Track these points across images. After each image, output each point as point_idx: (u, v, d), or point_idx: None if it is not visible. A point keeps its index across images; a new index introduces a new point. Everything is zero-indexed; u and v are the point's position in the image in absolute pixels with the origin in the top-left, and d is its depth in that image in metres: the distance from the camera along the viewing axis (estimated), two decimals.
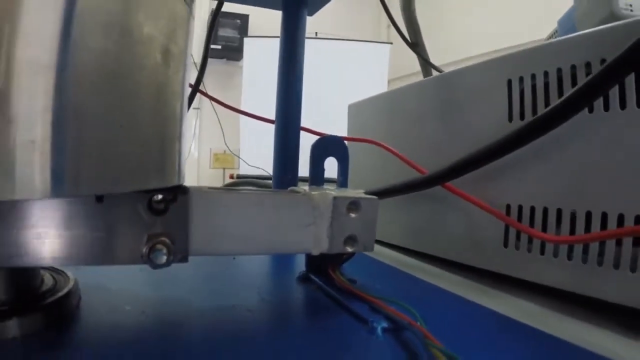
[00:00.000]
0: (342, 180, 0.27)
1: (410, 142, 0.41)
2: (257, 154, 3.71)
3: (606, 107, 0.26)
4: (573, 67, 0.28)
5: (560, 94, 0.28)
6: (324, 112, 3.79)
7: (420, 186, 0.35)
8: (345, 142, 0.35)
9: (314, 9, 0.46)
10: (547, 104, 0.29)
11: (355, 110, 0.54)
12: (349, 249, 0.23)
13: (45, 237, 0.17)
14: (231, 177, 3.74)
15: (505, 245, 0.32)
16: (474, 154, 0.30)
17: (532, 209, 0.30)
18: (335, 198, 0.23)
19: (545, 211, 0.29)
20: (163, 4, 0.17)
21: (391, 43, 4.34)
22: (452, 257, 0.38)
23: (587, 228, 0.27)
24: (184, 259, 0.19)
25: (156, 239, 0.18)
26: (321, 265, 0.26)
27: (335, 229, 0.23)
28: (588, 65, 0.27)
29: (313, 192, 0.23)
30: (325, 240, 0.23)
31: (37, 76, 0.13)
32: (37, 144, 0.13)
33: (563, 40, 0.29)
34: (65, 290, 0.20)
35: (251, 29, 5.61)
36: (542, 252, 0.30)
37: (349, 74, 3.98)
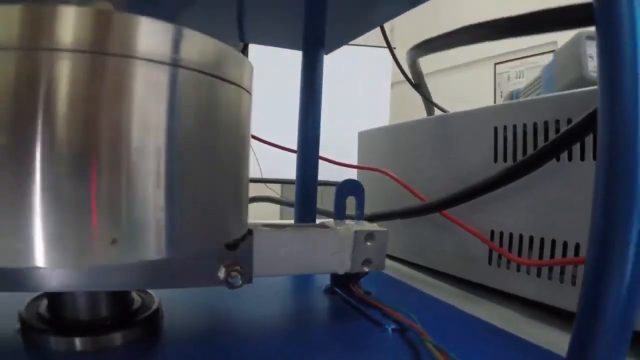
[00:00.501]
0: (359, 214, 0.34)
1: (413, 172, 0.48)
2: (260, 156, 3.79)
3: (570, 158, 0.33)
4: (545, 123, 0.35)
5: (535, 144, 0.35)
6: (329, 116, 3.84)
7: (421, 212, 0.42)
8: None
9: (331, 49, 0.52)
10: (524, 151, 0.36)
11: (365, 138, 0.61)
12: (366, 269, 0.31)
13: None
14: None
15: (489, 263, 0.39)
16: (465, 190, 0.37)
17: (511, 235, 0.37)
18: (356, 232, 0.30)
19: (520, 237, 0.36)
20: (237, 103, 0.24)
21: (394, 48, 4.40)
22: (446, 270, 0.45)
23: (552, 252, 0.34)
24: (249, 280, 0.26)
25: (231, 267, 0.25)
26: (343, 281, 0.33)
27: (355, 254, 0.30)
28: (557, 122, 0.34)
29: (339, 227, 0.30)
30: (348, 263, 0.30)
31: (151, 159, 0.19)
32: (154, 213, 0.19)
33: (538, 99, 0.36)
34: (154, 307, 0.27)
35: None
36: (518, 270, 0.37)
37: (353, 78, 4.05)
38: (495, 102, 4.80)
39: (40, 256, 0.16)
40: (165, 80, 0.18)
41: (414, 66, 0.65)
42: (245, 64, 0.24)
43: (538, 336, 0.28)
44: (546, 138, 0.34)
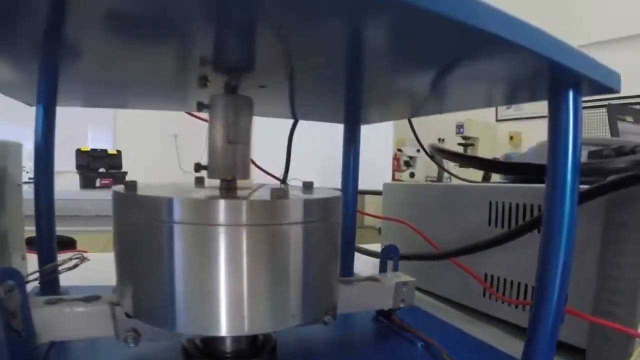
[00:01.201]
0: (396, 266, 0.50)
1: (428, 225, 0.64)
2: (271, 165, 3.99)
3: (539, 231, 0.49)
4: (524, 205, 0.51)
5: (517, 218, 0.52)
6: (337, 129, 4.00)
7: (436, 258, 0.58)
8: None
9: (368, 122, 0.68)
10: (510, 222, 0.52)
11: (389, 189, 0.77)
12: (401, 305, 0.47)
13: None
14: None
15: (484, 295, 0.56)
16: (468, 246, 0.54)
17: (499, 278, 0.54)
18: (396, 282, 0.46)
19: (505, 280, 0.53)
20: (336, 233, 0.40)
21: None
22: (452, 298, 0.62)
23: (525, 292, 0.50)
24: (335, 318, 0.42)
25: (328, 313, 0.41)
26: (385, 313, 0.49)
27: (395, 296, 0.46)
28: (532, 205, 0.50)
29: (385, 280, 0.46)
30: (390, 302, 0.46)
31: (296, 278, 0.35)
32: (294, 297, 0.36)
33: (518, 187, 0.53)
34: (274, 342, 0.42)
35: None
36: (503, 302, 0.53)
37: None
38: (496, 108, 4.96)
39: (245, 325, 0.32)
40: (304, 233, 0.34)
41: (433, 153, 0.80)
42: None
43: (517, 349, 0.44)
44: (525, 215, 0.51)
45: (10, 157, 0.59)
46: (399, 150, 5.48)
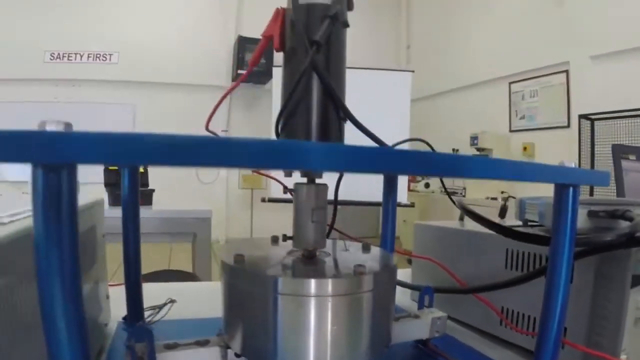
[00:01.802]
0: (431, 302, 0.63)
1: (453, 261, 0.77)
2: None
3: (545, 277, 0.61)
4: (534, 254, 0.64)
5: (528, 264, 0.64)
6: (354, 132, 4.13)
7: (461, 292, 0.71)
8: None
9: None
10: (522, 266, 0.65)
11: (420, 229, 0.90)
12: (436, 335, 0.60)
13: None
14: (263, 200, 4.09)
15: (500, 324, 0.68)
16: (488, 285, 0.66)
17: (513, 311, 0.66)
18: (432, 318, 0.59)
19: (517, 313, 0.65)
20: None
21: (413, 71, 4.70)
22: (475, 325, 0.74)
23: (534, 325, 0.63)
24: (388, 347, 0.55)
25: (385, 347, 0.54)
26: (422, 340, 0.62)
27: (431, 328, 0.59)
28: (540, 255, 0.63)
29: (423, 316, 0.59)
30: (427, 333, 0.59)
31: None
32: None
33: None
34: None
35: (277, 54, 5.93)
36: (516, 330, 0.66)
37: (379, 97, 4.36)
38: (510, 119, 5.06)
39: None
40: None
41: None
42: None
43: None
44: (535, 262, 0.63)
45: (97, 214, 0.70)
46: None
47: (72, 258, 0.26)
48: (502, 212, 1.03)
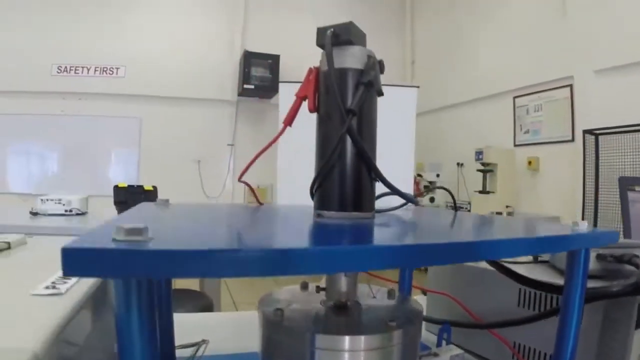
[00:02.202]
0: (449, 339, 0.67)
1: (468, 296, 0.81)
2: (293, 189, 4.14)
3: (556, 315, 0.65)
4: (545, 294, 0.67)
5: (540, 304, 0.68)
6: None
7: (477, 327, 0.75)
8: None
9: None
10: (534, 305, 0.69)
11: (434, 271, 0.94)
12: None
13: None
14: None
15: (512, 358, 0.72)
16: (502, 321, 0.70)
17: (525, 346, 0.70)
18: (451, 355, 0.63)
19: (530, 348, 0.69)
20: None
21: (418, 87, 4.78)
22: (488, 357, 0.78)
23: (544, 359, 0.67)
24: None
25: None
26: None
27: None
28: (551, 296, 0.67)
29: (442, 353, 0.63)
30: None
31: None
32: None
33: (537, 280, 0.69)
34: None
35: (282, 68, 6.06)
36: None
37: (381, 115, 4.39)
38: (514, 133, 5.10)
39: None
40: None
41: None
42: None
43: None
44: (546, 302, 0.67)
45: None
46: (419, 175, 5.65)
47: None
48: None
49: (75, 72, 5.94)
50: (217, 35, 6.38)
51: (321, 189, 0.55)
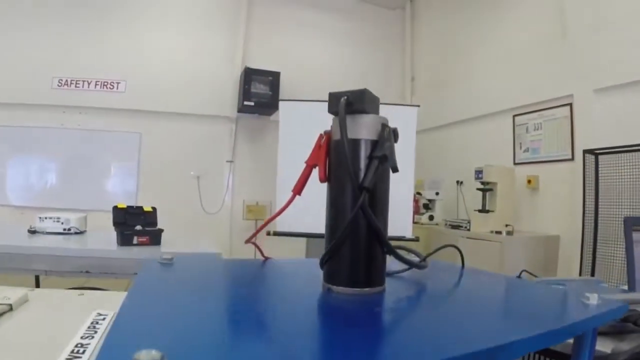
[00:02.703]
0: None
1: None
2: (292, 206, 4.11)
3: None
4: None
5: None
6: None
7: None
8: None
9: None
10: None
11: None
12: None
13: None
14: (268, 233, 4.05)
15: None
16: None
17: None
18: None
19: None
20: None
21: (418, 106, 4.78)
22: None
23: None
24: None
25: None
26: None
27: None
28: None
29: None
30: None
31: None
32: None
33: None
34: None
35: (282, 85, 6.07)
36: None
37: None
38: (514, 151, 5.10)
39: None
40: None
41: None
42: None
43: None
44: None
45: None
46: (418, 193, 5.64)
47: None
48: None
49: (75, 86, 5.95)
50: (218, 51, 6.40)
51: (332, 263, 0.53)
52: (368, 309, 0.50)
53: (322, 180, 0.57)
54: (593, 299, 0.48)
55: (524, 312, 0.57)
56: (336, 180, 0.56)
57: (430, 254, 0.91)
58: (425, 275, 0.80)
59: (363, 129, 0.55)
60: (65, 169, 5.98)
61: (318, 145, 0.58)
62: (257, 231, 0.66)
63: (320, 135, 0.58)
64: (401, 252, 0.91)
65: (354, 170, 0.52)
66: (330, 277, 0.55)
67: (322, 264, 0.56)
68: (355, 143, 0.54)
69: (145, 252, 2.68)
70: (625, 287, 1.41)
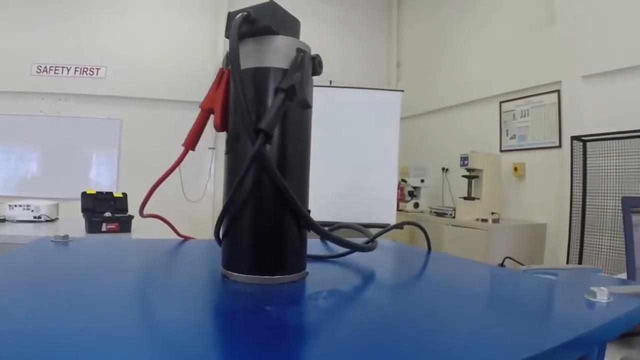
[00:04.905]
0: None
1: None
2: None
3: None
4: None
5: None
6: (349, 146, 4.10)
7: None
8: None
9: None
10: None
11: None
12: None
13: None
14: None
15: None
16: None
17: None
18: None
19: None
20: None
21: (402, 90, 4.67)
22: None
23: None
24: None
25: None
26: None
27: None
28: None
29: None
30: None
31: None
32: None
33: None
34: None
35: None
36: None
37: (365, 119, 4.33)
38: (500, 138, 5.01)
39: None
40: None
41: None
42: None
43: None
44: None
45: None
46: (403, 180, 5.54)
47: None
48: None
49: (55, 72, 5.81)
50: (199, 37, 6.26)
51: (228, 240, 0.41)
52: (260, 311, 0.35)
53: (217, 128, 0.45)
54: (602, 296, 0.35)
55: (503, 317, 0.40)
56: (233, 127, 0.43)
57: (381, 233, 0.79)
58: (372, 260, 0.66)
59: (270, 54, 0.42)
60: (44, 157, 5.86)
61: (216, 84, 0.46)
62: (146, 199, 0.55)
63: (221, 70, 0.46)
64: (347, 232, 0.80)
65: (248, 108, 0.39)
66: (228, 261, 0.43)
67: (218, 241, 0.44)
68: (259, 73, 0.42)
69: (114, 240, 2.57)
70: (620, 276, 1.30)
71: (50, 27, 5.71)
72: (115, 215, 2.78)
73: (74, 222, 3.05)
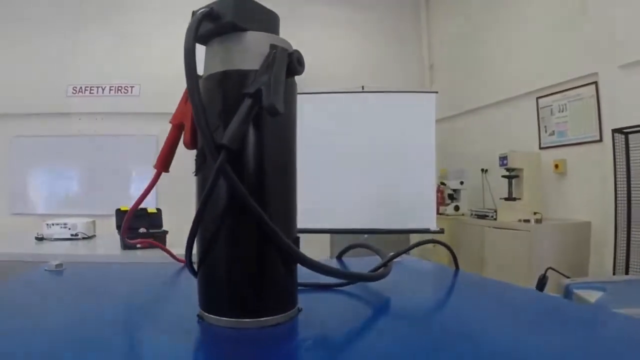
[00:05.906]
0: None
1: None
2: (313, 204, 4.05)
3: None
4: None
5: None
6: (380, 157, 4.06)
7: None
8: None
9: None
10: None
11: None
12: None
13: None
14: None
15: None
16: None
17: None
18: None
19: None
20: None
21: (436, 92, 4.62)
22: None
23: None
24: None
25: None
26: None
27: None
28: None
29: None
30: None
31: None
32: None
33: None
34: None
35: (298, 79, 5.86)
36: None
37: (400, 122, 4.29)
38: (539, 135, 4.90)
39: None
40: None
41: None
42: None
43: None
44: None
45: None
46: (443, 183, 5.47)
47: None
48: (540, 285, 0.93)
49: (90, 92, 5.97)
50: None
51: (202, 273, 0.38)
52: None
53: (187, 146, 0.42)
54: None
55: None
56: (200, 144, 0.40)
57: (394, 256, 0.68)
58: (385, 287, 0.57)
59: (238, 54, 0.38)
60: (84, 175, 6.10)
61: (185, 97, 0.43)
62: (127, 219, 0.53)
63: None
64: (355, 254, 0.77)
65: (207, 121, 0.36)
66: (202, 299, 0.39)
67: (191, 271, 0.41)
68: (226, 77, 0.38)
69: (150, 256, 2.59)
70: None
71: (84, 49, 5.93)
72: (150, 231, 2.81)
73: (111, 239, 3.09)
